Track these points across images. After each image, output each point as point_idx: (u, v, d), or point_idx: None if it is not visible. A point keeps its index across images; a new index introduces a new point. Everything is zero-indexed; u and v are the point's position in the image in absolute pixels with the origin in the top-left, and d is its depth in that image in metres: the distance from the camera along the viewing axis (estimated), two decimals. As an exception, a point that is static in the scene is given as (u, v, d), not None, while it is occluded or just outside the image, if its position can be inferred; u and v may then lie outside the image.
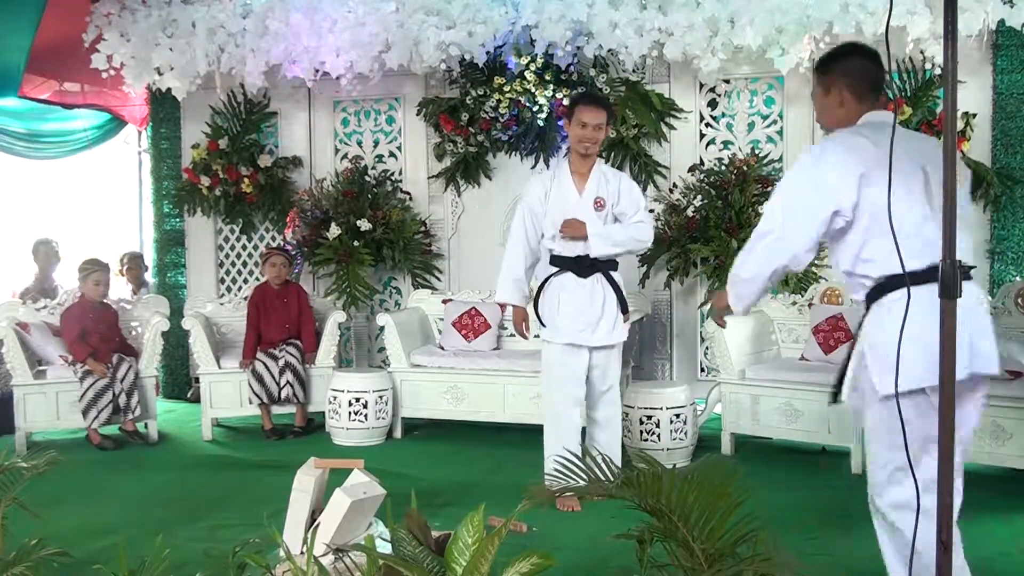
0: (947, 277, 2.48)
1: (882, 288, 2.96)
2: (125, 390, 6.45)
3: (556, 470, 2.63)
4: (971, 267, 2.91)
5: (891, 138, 2.75)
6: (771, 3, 6.07)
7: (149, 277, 8.61)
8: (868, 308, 3.01)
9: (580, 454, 2.61)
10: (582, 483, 2.59)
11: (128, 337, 6.89)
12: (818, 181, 2.96)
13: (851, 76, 3.12)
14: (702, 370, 7.10)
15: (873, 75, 3.15)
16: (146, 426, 6.65)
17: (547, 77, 6.85)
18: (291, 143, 7.98)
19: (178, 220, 8.15)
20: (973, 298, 2.89)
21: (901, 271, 2.78)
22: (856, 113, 3.13)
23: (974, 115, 6.20)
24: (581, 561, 3.89)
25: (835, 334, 5.96)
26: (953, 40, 2.50)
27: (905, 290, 2.78)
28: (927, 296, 2.68)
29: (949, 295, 2.48)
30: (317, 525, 3.51)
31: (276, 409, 6.74)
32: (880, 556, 3.78)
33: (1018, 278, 5.93)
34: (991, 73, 6.25)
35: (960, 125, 6.14)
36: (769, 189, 6.58)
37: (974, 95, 6.27)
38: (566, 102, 6.82)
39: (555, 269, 4.97)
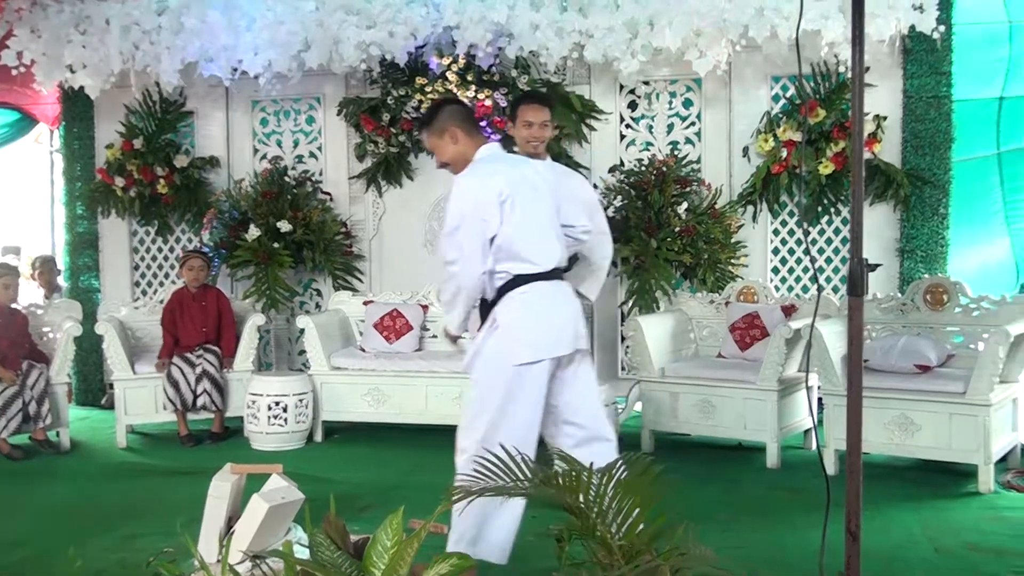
0: (855, 276, 2.55)
1: (514, 283, 3.68)
2: (35, 398, 6.27)
3: (475, 470, 2.63)
4: (567, 268, 4.04)
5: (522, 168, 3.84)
6: (689, 6, 6.16)
7: (61, 281, 8.38)
8: (501, 297, 3.69)
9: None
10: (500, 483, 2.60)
11: (39, 343, 6.69)
12: (475, 214, 3.63)
13: (457, 116, 3.83)
14: (623, 368, 7.18)
15: (472, 115, 3.95)
16: (57, 434, 6.47)
17: (469, 78, 6.85)
18: (208, 143, 7.85)
19: (91, 222, 7.96)
20: (569, 288, 3.89)
21: (528, 272, 3.66)
22: (471, 147, 3.83)
23: (885, 118, 6.37)
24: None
25: (751, 331, 6.07)
26: (861, 46, 2.57)
27: (529, 285, 3.66)
28: (547, 290, 3.70)
29: (856, 292, 2.55)
30: (233, 532, 3.46)
31: (192, 415, 6.62)
32: (787, 546, 3.88)
33: (926, 275, 6.11)
34: (901, 77, 6.43)
35: (871, 127, 6.31)
36: (688, 190, 6.69)
37: (885, 98, 6.45)
38: (488, 103, 6.84)
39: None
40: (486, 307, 3.78)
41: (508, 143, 7.06)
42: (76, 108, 7.87)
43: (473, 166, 3.78)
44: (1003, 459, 5.30)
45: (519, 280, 3.68)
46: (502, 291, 3.70)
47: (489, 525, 3.65)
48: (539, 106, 4.80)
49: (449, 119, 3.79)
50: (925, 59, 6.33)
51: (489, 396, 3.67)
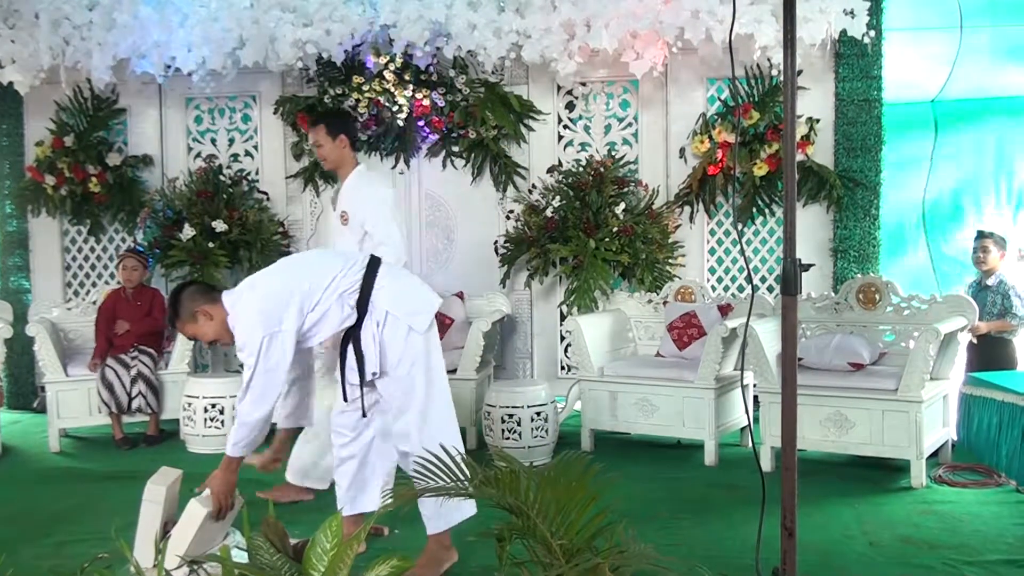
0: (788, 276, 2.60)
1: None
2: (-37, 401, 6.12)
3: (415, 470, 2.63)
4: None
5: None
6: (625, 8, 6.21)
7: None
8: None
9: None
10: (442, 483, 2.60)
11: (-34, 346, 6.53)
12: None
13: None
14: (562, 368, 7.21)
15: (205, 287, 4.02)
16: (-13, 438, 6.33)
17: (407, 77, 6.83)
18: (141, 141, 7.70)
19: (21, 221, 7.76)
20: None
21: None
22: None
23: (818, 120, 6.49)
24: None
25: (688, 331, 6.14)
26: (792, 49, 2.61)
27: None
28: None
29: (790, 292, 2.60)
30: (169, 536, 3.41)
31: (128, 418, 6.50)
32: (725, 542, 3.92)
33: (859, 275, 6.23)
34: (833, 80, 6.55)
35: (804, 130, 6.42)
36: (625, 190, 6.75)
37: (817, 101, 6.56)
38: (426, 103, 6.83)
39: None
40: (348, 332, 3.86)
41: (447, 143, 7.11)
42: (4, 104, 7.66)
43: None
44: (935, 454, 5.42)
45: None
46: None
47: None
48: (311, 127, 5.00)
49: (191, 302, 3.82)
50: (856, 63, 6.45)
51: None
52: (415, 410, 3.83)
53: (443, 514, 3.82)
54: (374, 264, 3.90)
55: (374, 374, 3.85)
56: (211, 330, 3.82)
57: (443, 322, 6.54)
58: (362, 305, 3.81)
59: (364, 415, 3.97)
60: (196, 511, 3.45)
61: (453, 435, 3.91)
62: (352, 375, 3.86)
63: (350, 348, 3.84)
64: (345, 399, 3.95)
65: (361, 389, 3.88)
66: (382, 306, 3.82)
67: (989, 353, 6.18)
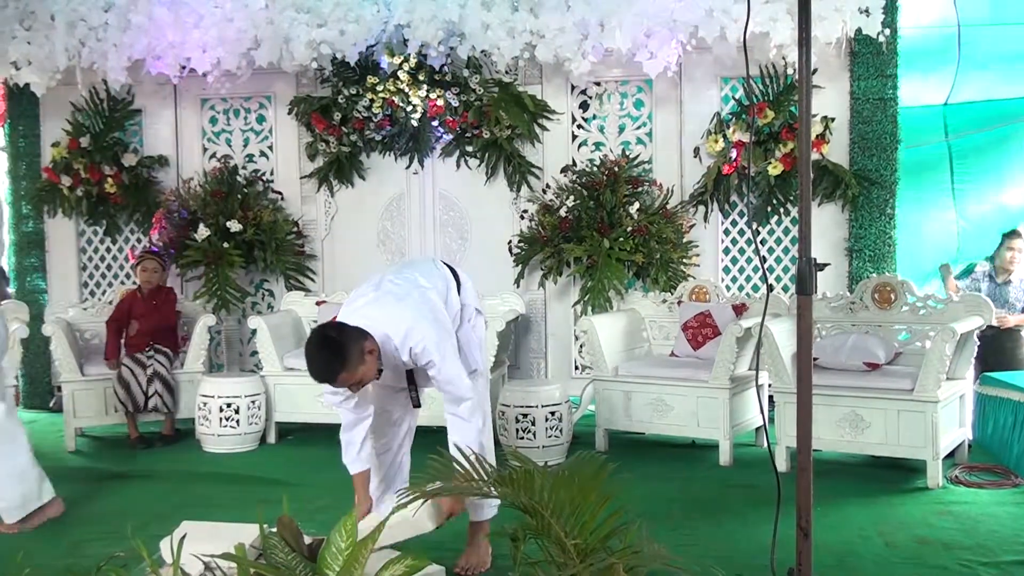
0: (803, 275, 2.59)
1: None
2: (-20, 400, 6.14)
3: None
4: None
5: None
6: (639, 7, 6.20)
7: (10, 291, 8.19)
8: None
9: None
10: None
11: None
12: None
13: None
14: (576, 368, 7.20)
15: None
16: (4, 437, 6.35)
17: (421, 77, 6.83)
18: (156, 142, 7.73)
19: (38, 222, 7.81)
20: None
21: None
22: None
23: (833, 119, 6.45)
24: (456, 561, 3.89)
25: (703, 330, 6.13)
26: (807, 48, 2.60)
27: None
28: None
29: (805, 291, 2.59)
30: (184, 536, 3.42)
31: (143, 417, 6.53)
32: (740, 542, 3.90)
33: (874, 274, 6.21)
34: (848, 79, 6.52)
35: (819, 129, 6.39)
36: (639, 190, 6.74)
37: (833, 100, 6.53)
38: (440, 103, 6.83)
39: None
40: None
41: (461, 143, 7.12)
42: (21, 105, 7.71)
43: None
44: (951, 454, 5.40)
45: None
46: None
47: None
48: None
49: (354, 342, 3.48)
50: (872, 61, 6.42)
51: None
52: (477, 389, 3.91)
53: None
54: (450, 267, 4.06)
55: (474, 371, 3.93)
56: (374, 368, 3.52)
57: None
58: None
59: (418, 405, 3.99)
60: (422, 524, 3.47)
61: None
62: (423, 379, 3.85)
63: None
64: (418, 404, 3.96)
65: (414, 386, 3.87)
66: (472, 304, 4.02)
67: (1000, 344, 6.27)
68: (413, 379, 3.84)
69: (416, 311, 3.60)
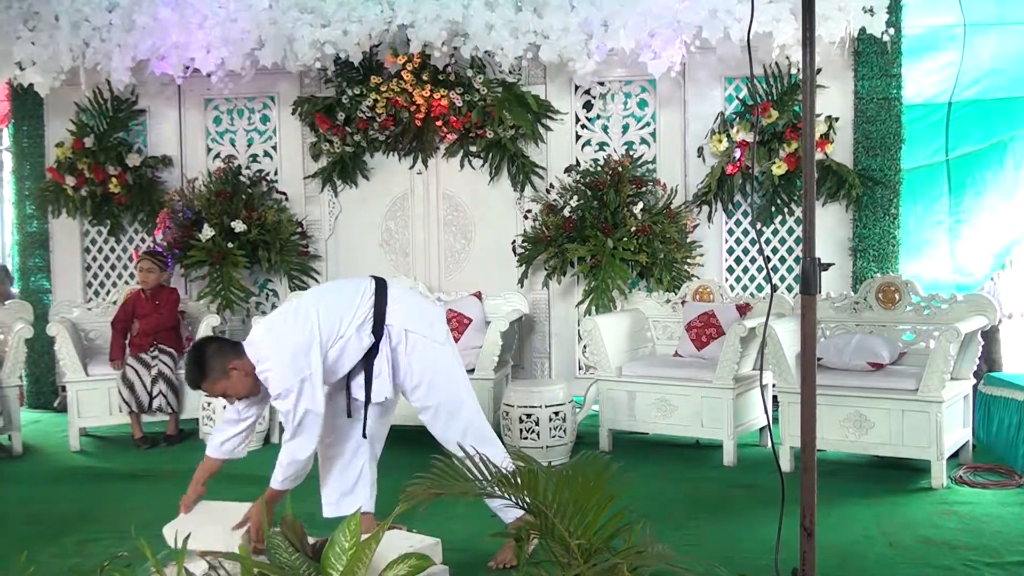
0: (808, 275, 2.59)
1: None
2: (-15, 400, 6.16)
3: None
4: None
5: None
6: (643, 7, 6.20)
7: (14, 291, 8.21)
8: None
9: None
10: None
11: (-11, 345, 6.59)
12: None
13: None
14: (580, 368, 7.20)
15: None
16: (9, 438, 6.35)
17: (424, 77, 6.83)
18: (161, 142, 7.75)
19: (42, 221, 7.83)
20: None
21: None
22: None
23: (837, 119, 6.45)
24: (460, 560, 3.89)
25: (707, 330, 6.12)
26: (811, 47, 2.60)
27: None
28: None
29: (809, 291, 2.59)
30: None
31: (147, 417, 6.54)
32: (744, 542, 3.89)
33: (878, 274, 6.20)
34: (852, 79, 6.51)
35: (823, 128, 6.38)
36: (643, 190, 6.74)
37: (837, 100, 6.52)
38: (444, 102, 6.83)
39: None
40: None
41: (465, 143, 7.12)
42: (25, 106, 7.74)
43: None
44: (955, 455, 5.39)
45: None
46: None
47: None
48: None
49: (221, 358, 3.73)
50: (875, 61, 6.42)
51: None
52: (467, 409, 4.01)
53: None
54: (382, 287, 3.97)
55: (386, 398, 3.99)
56: (244, 385, 3.76)
57: (461, 322, 6.55)
58: (377, 330, 3.90)
59: (364, 435, 4.10)
60: (232, 543, 3.45)
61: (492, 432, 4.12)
62: (359, 392, 3.98)
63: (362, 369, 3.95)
64: (349, 415, 4.05)
65: (365, 411, 4.01)
66: (400, 326, 3.92)
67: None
68: (349, 390, 3.98)
69: (274, 345, 3.75)
